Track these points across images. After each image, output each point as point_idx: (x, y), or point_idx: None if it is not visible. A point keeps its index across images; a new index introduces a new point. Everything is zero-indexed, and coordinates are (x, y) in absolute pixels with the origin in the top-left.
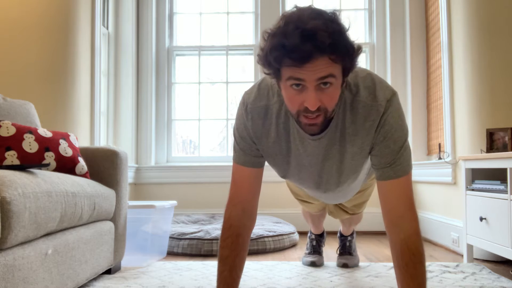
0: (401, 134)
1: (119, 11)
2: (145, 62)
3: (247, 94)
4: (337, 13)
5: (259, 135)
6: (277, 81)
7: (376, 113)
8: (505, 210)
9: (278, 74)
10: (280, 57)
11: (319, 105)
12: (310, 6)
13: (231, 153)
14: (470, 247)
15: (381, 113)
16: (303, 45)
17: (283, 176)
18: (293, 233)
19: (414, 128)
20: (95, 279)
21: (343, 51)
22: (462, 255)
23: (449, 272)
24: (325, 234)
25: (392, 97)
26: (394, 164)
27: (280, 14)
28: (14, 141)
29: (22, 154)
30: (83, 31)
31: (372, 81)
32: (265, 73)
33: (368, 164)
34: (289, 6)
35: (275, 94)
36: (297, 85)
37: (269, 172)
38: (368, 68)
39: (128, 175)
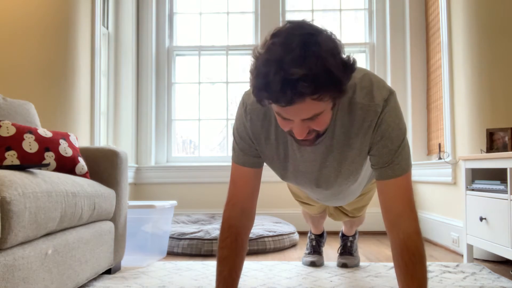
0: (398, 133)
1: (119, 11)
2: (145, 62)
3: (246, 94)
4: (330, 34)
5: (258, 136)
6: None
7: (374, 114)
8: (505, 210)
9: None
10: (264, 98)
11: (308, 130)
12: (301, 25)
13: (231, 153)
14: (470, 247)
15: (378, 113)
16: (284, 93)
17: (282, 179)
18: (293, 233)
19: (414, 128)
20: (95, 279)
21: (329, 88)
22: (462, 255)
23: (449, 272)
24: (325, 234)
25: (389, 96)
26: (392, 163)
27: (271, 33)
28: (14, 141)
29: (22, 154)
30: (83, 31)
31: (369, 81)
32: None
33: (368, 166)
34: (289, 6)
35: None
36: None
37: (269, 172)
38: (368, 68)
39: (128, 175)
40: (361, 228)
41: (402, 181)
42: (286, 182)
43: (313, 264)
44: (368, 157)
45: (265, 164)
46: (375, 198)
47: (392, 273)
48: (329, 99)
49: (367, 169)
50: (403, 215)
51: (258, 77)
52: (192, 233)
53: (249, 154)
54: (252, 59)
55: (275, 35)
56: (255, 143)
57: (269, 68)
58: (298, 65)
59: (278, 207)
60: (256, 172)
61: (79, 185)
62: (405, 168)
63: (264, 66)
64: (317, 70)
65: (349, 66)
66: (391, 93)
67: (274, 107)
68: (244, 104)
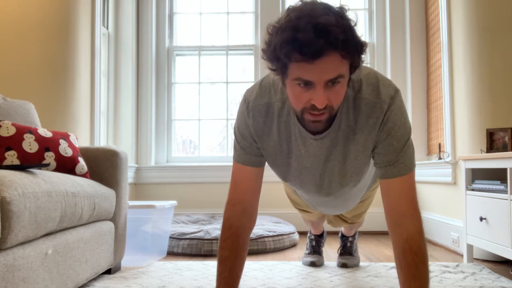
0: (404, 132)
1: (119, 11)
2: (145, 62)
3: (248, 92)
4: (346, 8)
5: (260, 134)
6: (282, 78)
7: (380, 111)
8: (505, 210)
9: (285, 70)
10: (291, 52)
11: (326, 105)
12: (316, 0)
13: (231, 153)
14: (470, 247)
15: (384, 110)
16: (317, 40)
17: (283, 179)
18: (293, 233)
19: (414, 128)
20: (95, 279)
21: (353, 47)
22: (462, 255)
23: (449, 272)
24: (325, 234)
25: (395, 94)
26: (397, 162)
27: (287, 8)
28: (14, 141)
29: (22, 154)
30: (83, 31)
31: (376, 78)
32: (270, 68)
33: (371, 167)
34: None
35: (277, 92)
36: (305, 83)
37: (269, 172)
38: None
39: (128, 175)
40: (361, 228)
41: (406, 181)
42: (284, 189)
43: (313, 264)
44: (372, 155)
45: (266, 163)
46: (376, 198)
47: (392, 273)
48: (349, 64)
49: (369, 172)
50: (406, 215)
51: (286, 30)
52: (192, 233)
53: (250, 153)
54: (271, 29)
55: (294, 6)
56: (257, 141)
57: (299, 21)
58: (329, 16)
59: (278, 207)
60: (258, 171)
61: (79, 185)
62: (409, 167)
63: (293, 20)
64: (344, 25)
65: (363, 41)
66: (397, 91)
67: (294, 72)
68: (246, 101)
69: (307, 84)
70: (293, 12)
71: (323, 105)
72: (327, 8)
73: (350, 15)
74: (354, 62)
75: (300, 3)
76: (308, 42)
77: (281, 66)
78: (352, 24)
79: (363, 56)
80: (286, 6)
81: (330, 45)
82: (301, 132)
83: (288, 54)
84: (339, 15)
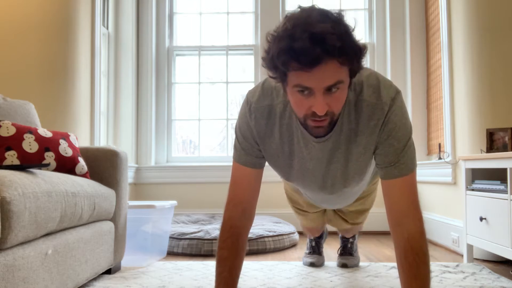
0: (404, 133)
1: (119, 11)
2: (145, 62)
3: (250, 93)
4: (343, 13)
5: (262, 135)
6: (283, 85)
7: (381, 112)
8: (505, 210)
9: (284, 78)
10: (288, 61)
11: (326, 111)
12: (314, 6)
13: (231, 153)
14: (470, 247)
15: (385, 112)
16: (313, 49)
17: (286, 179)
18: (293, 233)
19: (414, 128)
20: (95, 279)
21: (351, 53)
22: (462, 255)
23: (449, 272)
24: (324, 234)
25: (396, 95)
26: (398, 163)
27: (285, 15)
28: (14, 141)
29: (22, 154)
30: (83, 31)
31: (376, 80)
32: (270, 76)
33: (373, 165)
34: (289, 6)
35: (279, 95)
36: (305, 90)
37: (269, 172)
38: None
39: (128, 175)
40: None
41: (408, 181)
42: (284, 189)
43: (313, 265)
44: (374, 156)
45: (266, 163)
46: (375, 198)
47: (392, 273)
48: (348, 69)
49: (371, 170)
50: (408, 214)
51: (283, 40)
52: (192, 233)
53: (251, 154)
54: (269, 37)
55: (291, 14)
56: (258, 143)
57: (295, 30)
58: (325, 23)
59: (278, 207)
60: (258, 172)
61: (79, 185)
62: (410, 168)
63: (289, 29)
64: (341, 32)
65: (362, 45)
66: (397, 93)
67: (294, 79)
68: (248, 103)
69: (307, 91)
70: (290, 21)
71: (323, 112)
72: (324, 15)
73: (348, 20)
74: (354, 67)
75: (298, 10)
76: (305, 51)
77: (280, 74)
78: (350, 29)
79: (362, 60)
80: (286, 6)
81: (327, 52)
82: (303, 134)
83: (285, 63)
84: (336, 22)
